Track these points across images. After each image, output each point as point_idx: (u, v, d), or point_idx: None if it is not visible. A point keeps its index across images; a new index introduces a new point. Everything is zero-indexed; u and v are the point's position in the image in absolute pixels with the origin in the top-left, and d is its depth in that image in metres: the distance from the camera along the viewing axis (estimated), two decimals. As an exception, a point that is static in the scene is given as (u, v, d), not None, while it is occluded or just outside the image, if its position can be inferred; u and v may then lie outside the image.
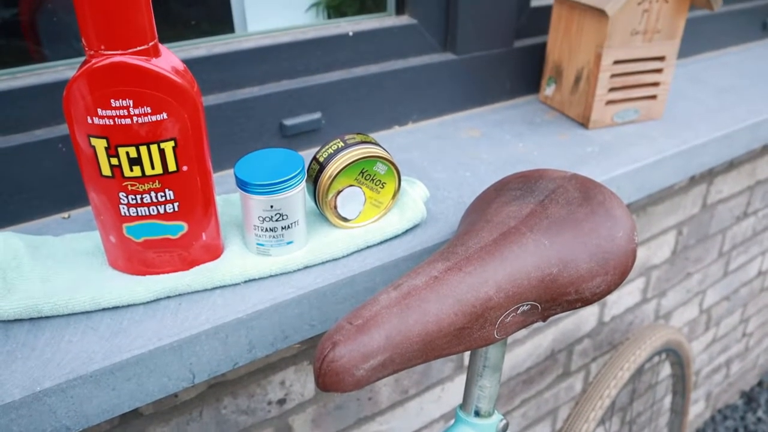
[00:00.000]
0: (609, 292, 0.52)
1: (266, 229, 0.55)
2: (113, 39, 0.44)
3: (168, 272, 0.55)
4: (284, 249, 0.57)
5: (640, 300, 1.19)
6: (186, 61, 0.69)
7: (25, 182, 0.62)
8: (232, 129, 0.72)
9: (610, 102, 0.88)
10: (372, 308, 0.44)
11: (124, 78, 0.45)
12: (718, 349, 1.59)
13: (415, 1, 0.82)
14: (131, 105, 0.46)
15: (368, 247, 0.61)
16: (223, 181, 0.72)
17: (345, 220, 0.61)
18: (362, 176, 0.59)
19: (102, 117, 0.46)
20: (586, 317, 1.10)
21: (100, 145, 0.47)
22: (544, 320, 0.52)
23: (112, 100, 0.46)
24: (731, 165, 1.19)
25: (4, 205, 0.62)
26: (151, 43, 0.46)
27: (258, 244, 0.56)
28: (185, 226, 0.53)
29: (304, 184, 0.55)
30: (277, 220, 0.55)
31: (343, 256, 0.59)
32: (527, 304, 0.49)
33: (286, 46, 0.74)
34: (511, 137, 0.84)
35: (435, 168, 0.76)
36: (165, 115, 0.47)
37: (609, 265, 0.51)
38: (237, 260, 0.56)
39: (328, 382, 0.42)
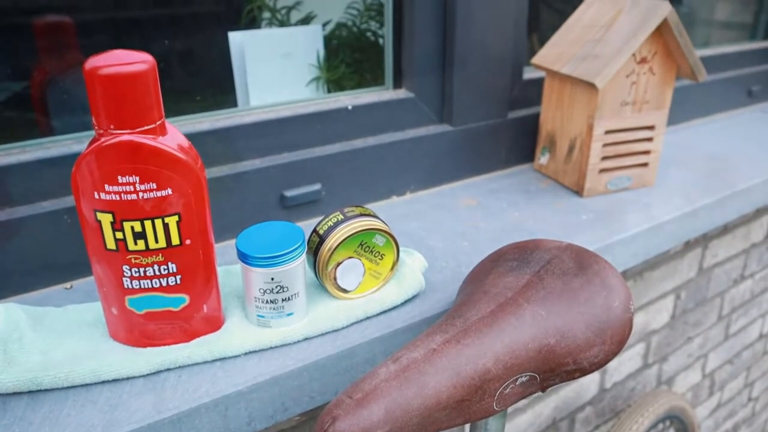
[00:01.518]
0: (607, 361, 0.52)
1: (267, 301, 0.56)
2: (123, 120, 0.46)
3: (169, 344, 0.55)
4: (284, 320, 0.57)
5: (642, 365, 1.18)
6: (190, 135, 0.71)
7: (30, 252, 0.63)
8: (234, 200, 0.74)
9: (603, 170, 0.90)
10: (371, 382, 0.44)
11: (132, 156, 0.47)
12: (723, 414, 1.57)
13: (412, 75, 0.85)
14: (137, 181, 0.47)
15: (368, 318, 0.61)
16: (224, 251, 0.73)
17: (345, 291, 0.61)
18: (361, 248, 0.60)
19: (109, 192, 0.48)
20: (587, 384, 1.09)
21: (105, 219, 0.48)
22: (543, 390, 0.52)
23: (119, 177, 0.47)
24: (725, 229, 1.20)
25: (8, 275, 0.63)
26: (158, 122, 0.47)
27: (258, 315, 0.57)
28: (187, 298, 0.53)
29: (304, 256, 0.56)
30: (277, 292, 0.55)
31: (343, 328, 0.60)
32: (526, 375, 0.49)
33: (287, 120, 0.77)
34: (508, 206, 0.86)
35: (433, 237, 0.77)
36: (170, 191, 0.48)
37: (606, 335, 0.51)
38: (237, 332, 0.56)
39: None
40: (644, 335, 1.14)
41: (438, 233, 0.78)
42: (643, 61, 0.85)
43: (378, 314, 0.62)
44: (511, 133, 0.96)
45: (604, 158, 0.89)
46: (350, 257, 0.60)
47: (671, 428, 1.30)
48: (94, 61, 0.45)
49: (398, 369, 0.45)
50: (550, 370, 0.50)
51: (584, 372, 0.51)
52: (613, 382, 1.14)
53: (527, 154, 1.00)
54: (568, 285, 0.53)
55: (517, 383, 0.49)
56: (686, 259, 1.14)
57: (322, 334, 0.59)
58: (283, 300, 0.56)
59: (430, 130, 0.88)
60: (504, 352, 0.48)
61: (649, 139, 0.90)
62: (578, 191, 0.90)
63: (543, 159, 0.96)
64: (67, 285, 0.66)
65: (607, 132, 0.87)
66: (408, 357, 0.46)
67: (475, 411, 0.47)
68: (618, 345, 0.52)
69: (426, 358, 0.46)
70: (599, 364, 0.52)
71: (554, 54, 0.89)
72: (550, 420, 1.05)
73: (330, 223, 0.60)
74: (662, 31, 0.84)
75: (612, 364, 1.11)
